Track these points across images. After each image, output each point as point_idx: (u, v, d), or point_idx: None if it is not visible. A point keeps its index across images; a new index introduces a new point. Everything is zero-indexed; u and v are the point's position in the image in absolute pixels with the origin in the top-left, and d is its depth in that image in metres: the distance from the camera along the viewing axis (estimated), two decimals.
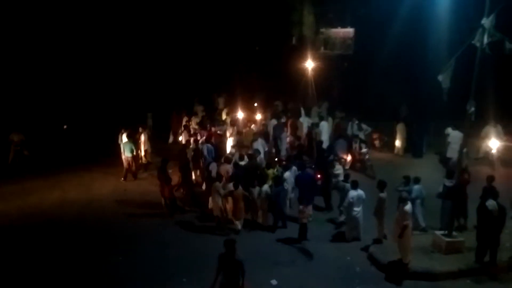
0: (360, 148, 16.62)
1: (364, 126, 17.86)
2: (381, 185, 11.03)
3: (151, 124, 20.37)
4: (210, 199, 12.11)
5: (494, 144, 14.82)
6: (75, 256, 10.61)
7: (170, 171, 13.38)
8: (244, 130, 17.73)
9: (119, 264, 10.29)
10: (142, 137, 16.90)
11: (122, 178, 15.85)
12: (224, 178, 12.13)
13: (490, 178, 11.18)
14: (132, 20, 25.27)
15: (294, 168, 12.98)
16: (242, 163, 13.46)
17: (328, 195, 13.27)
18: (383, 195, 10.87)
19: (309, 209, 11.97)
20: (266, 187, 12.11)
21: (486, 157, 16.49)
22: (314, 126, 17.82)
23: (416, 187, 11.37)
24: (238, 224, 11.84)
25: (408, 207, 9.82)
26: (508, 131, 17.08)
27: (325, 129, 17.81)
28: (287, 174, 12.77)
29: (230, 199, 11.79)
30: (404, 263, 9.70)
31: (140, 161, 16.76)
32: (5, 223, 12.44)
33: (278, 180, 12.24)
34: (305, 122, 18.59)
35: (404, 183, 11.59)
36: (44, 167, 17.02)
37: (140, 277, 9.75)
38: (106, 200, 14.17)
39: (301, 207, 11.26)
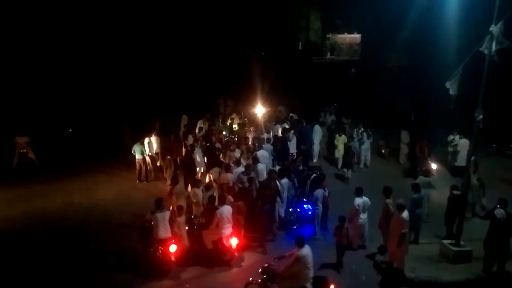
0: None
1: (370, 133, 17.46)
2: (387, 191, 10.82)
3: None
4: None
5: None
6: (80, 262, 10.56)
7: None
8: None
9: (124, 270, 10.21)
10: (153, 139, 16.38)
11: (137, 180, 15.92)
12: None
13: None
14: (141, 27, 25.40)
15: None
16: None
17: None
18: (389, 201, 10.67)
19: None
20: None
21: None
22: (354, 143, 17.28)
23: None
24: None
25: (405, 214, 9.67)
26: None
27: (318, 133, 17.88)
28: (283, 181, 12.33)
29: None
30: (400, 270, 9.63)
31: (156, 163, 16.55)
32: (10, 227, 12.41)
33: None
34: (318, 131, 18.01)
35: (414, 191, 11.22)
36: (49, 171, 17.01)
37: (146, 283, 9.69)
38: (111, 204, 14.13)
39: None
